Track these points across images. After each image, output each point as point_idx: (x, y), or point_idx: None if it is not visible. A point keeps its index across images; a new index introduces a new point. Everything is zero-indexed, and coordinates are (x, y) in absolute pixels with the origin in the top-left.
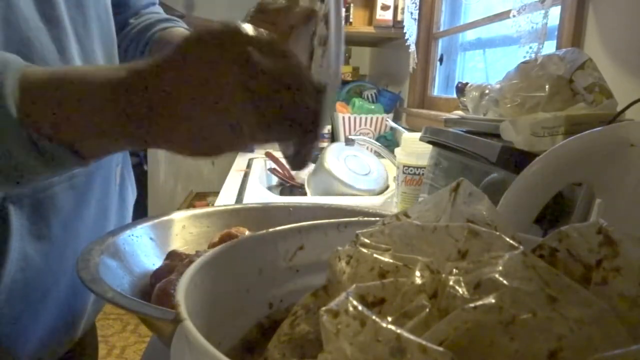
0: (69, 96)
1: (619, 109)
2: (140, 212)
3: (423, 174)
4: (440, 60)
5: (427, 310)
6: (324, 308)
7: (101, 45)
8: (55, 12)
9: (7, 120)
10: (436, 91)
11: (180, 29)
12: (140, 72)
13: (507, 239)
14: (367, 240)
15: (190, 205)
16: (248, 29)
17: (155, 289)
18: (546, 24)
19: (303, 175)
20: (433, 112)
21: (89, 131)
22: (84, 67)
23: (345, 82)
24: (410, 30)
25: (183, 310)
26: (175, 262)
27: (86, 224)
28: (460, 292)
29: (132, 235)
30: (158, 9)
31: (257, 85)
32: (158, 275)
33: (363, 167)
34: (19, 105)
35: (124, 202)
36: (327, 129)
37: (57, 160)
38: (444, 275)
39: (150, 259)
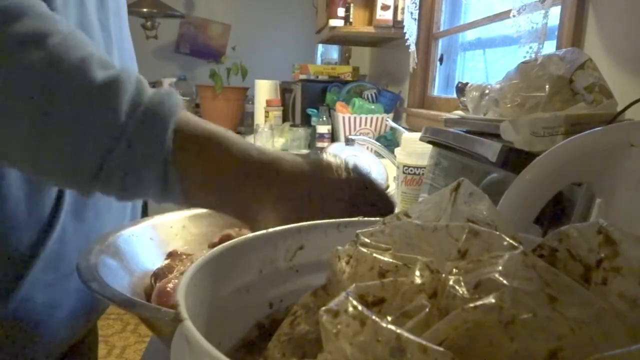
0: (212, 168)
1: (619, 109)
2: (141, 212)
3: (423, 174)
4: (440, 60)
5: (427, 309)
6: (323, 308)
7: (128, 49)
8: (108, 21)
9: (160, 148)
10: (436, 91)
11: None
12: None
13: (507, 239)
14: (367, 240)
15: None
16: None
17: (155, 289)
18: (546, 23)
19: None
20: (433, 112)
21: (208, 199)
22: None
23: (345, 82)
24: (410, 30)
25: (183, 310)
26: (175, 262)
27: (112, 215)
28: (460, 291)
29: (132, 235)
30: None
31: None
32: (158, 275)
33: (363, 167)
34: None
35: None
36: (327, 128)
37: (165, 196)
38: (443, 275)
39: (151, 259)
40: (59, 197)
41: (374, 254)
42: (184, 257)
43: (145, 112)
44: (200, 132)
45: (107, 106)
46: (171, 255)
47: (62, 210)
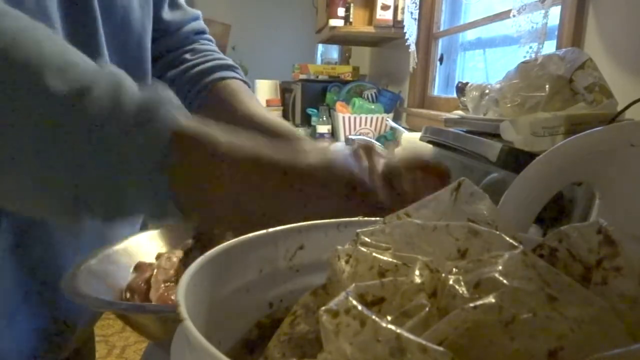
0: (210, 178)
1: (619, 109)
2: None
3: None
4: (440, 60)
5: (427, 309)
6: (323, 308)
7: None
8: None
9: (150, 158)
10: (436, 91)
11: (237, 83)
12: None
13: (507, 238)
14: (367, 239)
15: None
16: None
17: (156, 299)
18: (546, 23)
19: None
20: (433, 112)
21: (208, 214)
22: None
23: (345, 82)
24: (410, 30)
25: (183, 310)
26: (144, 273)
27: (67, 246)
28: (460, 291)
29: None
30: (211, 45)
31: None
32: (134, 289)
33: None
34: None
35: None
36: (327, 128)
37: (161, 214)
38: (443, 275)
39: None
40: None
41: (374, 254)
42: (151, 268)
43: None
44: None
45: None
46: (138, 267)
47: None
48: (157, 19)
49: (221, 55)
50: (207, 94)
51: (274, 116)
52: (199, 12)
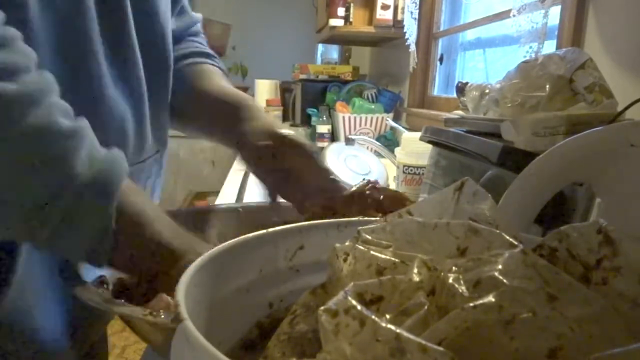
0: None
1: (619, 109)
2: None
3: (423, 174)
4: (440, 60)
5: (426, 307)
6: (322, 308)
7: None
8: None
9: (102, 221)
10: (436, 91)
11: (207, 67)
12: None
13: (507, 237)
14: (368, 237)
15: (190, 205)
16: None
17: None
18: (546, 23)
19: None
20: (433, 112)
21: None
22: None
23: (345, 82)
24: (410, 30)
25: (183, 310)
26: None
27: None
28: (460, 290)
29: None
30: (201, 39)
31: None
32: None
33: (363, 167)
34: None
35: None
36: (327, 128)
37: (90, 256)
38: (442, 273)
39: None
40: None
41: (372, 252)
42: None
43: (99, 170)
44: (136, 206)
45: (65, 155)
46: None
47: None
48: None
49: (201, 46)
50: (179, 77)
51: (234, 90)
52: (199, 17)
